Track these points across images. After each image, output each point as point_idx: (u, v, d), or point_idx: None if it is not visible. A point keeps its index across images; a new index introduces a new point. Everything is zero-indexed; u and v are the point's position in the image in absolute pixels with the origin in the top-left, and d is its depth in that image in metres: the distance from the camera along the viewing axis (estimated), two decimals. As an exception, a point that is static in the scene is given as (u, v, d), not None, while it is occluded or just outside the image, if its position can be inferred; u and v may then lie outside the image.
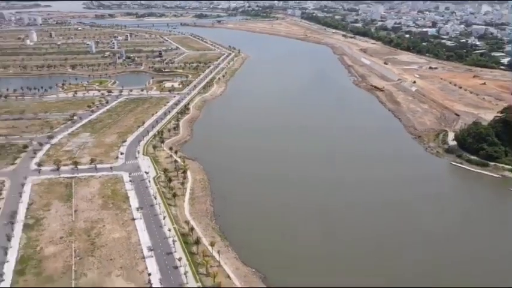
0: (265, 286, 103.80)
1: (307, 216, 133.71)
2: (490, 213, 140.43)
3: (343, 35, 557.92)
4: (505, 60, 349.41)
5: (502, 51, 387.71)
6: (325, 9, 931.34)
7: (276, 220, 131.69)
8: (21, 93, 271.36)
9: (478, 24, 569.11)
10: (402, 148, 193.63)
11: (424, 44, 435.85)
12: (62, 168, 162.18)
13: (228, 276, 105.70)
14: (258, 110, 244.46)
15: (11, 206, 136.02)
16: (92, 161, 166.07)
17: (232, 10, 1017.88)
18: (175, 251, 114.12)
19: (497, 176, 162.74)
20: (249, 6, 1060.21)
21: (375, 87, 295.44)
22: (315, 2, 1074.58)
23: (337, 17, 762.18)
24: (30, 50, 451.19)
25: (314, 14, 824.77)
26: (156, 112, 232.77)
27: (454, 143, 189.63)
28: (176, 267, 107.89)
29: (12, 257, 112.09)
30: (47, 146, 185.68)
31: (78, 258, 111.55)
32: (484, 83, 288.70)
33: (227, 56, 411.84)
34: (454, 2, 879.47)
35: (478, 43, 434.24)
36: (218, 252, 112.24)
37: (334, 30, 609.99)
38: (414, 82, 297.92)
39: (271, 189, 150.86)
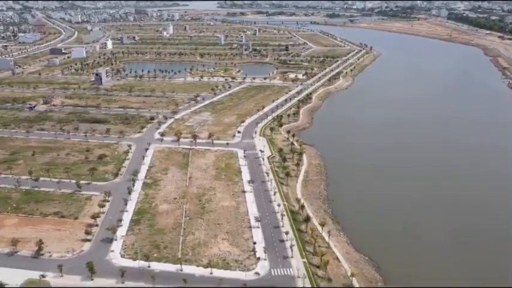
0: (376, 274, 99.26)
1: (431, 211, 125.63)
2: None
3: (500, 36, 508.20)
4: None
5: None
6: (479, 10, 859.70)
7: (394, 213, 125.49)
8: (153, 75, 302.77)
9: None
10: None
11: None
12: (182, 140, 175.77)
13: (337, 259, 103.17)
14: (385, 106, 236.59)
15: (134, 166, 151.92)
16: (210, 136, 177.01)
17: (367, 10, 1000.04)
18: (282, 226, 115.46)
19: None
20: (386, 7, 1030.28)
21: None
22: (467, 2, 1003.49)
23: (493, 17, 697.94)
24: (166, 41, 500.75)
25: (464, 15, 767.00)
26: (277, 99, 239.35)
27: None
28: (282, 241, 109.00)
29: (130, 208, 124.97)
30: (170, 120, 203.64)
31: (188, 218, 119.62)
32: None
33: (357, 53, 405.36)
34: None
35: None
36: (328, 233, 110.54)
37: (488, 32, 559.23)
38: None
39: (390, 182, 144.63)
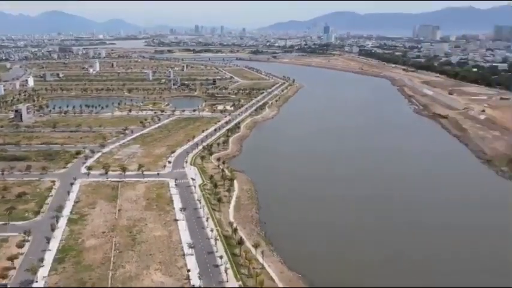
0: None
1: (359, 227, 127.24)
2: None
3: (404, 69, 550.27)
4: None
5: None
6: (385, 47, 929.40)
7: (325, 231, 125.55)
8: (79, 111, 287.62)
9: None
10: (470, 172, 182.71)
11: (494, 76, 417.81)
12: (110, 173, 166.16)
13: (272, 279, 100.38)
14: (308, 134, 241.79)
15: (58, 202, 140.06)
16: (140, 167, 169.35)
17: (288, 48, 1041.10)
18: (216, 251, 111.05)
19: None
20: (305, 44, 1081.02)
21: (438, 114, 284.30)
22: (374, 40, 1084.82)
23: (397, 53, 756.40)
24: (92, 77, 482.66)
25: (373, 51, 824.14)
26: (207, 129, 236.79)
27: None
28: (217, 266, 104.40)
29: (54, 246, 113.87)
30: (98, 154, 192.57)
31: (117, 251, 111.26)
32: None
33: (281, 85, 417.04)
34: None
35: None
36: (262, 254, 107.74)
37: (394, 65, 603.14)
38: (483, 111, 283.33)
39: (316, 203, 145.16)
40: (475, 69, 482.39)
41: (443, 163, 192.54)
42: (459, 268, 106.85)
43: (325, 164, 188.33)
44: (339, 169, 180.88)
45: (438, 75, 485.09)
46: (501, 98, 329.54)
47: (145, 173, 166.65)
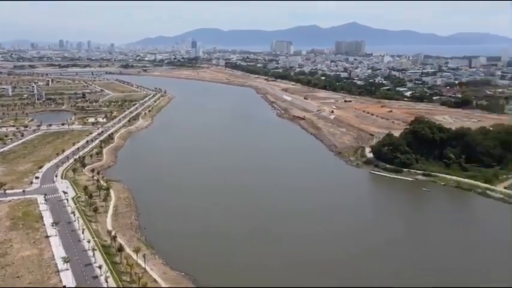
0: (194, 286, 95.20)
1: (235, 223, 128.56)
2: (409, 208, 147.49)
3: (265, 79, 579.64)
4: (408, 93, 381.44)
5: (405, 87, 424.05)
6: (248, 60, 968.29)
7: (204, 230, 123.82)
8: None
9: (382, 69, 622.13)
10: (326, 163, 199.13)
11: (338, 83, 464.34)
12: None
13: (155, 281, 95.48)
14: (182, 140, 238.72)
15: None
16: (1, 186, 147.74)
17: (158, 61, 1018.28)
18: (95, 262, 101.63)
19: (412, 179, 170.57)
20: (175, 58, 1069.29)
21: (297, 117, 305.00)
22: (238, 54, 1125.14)
23: (258, 65, 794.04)
24: None
25: (238, 63, 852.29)
26: (78, 142, 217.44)
27: (371, 155, 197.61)
28: (96, 277, 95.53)
29: None
30: None
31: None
32: (391, 111, 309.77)
33: (153, 96, 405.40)
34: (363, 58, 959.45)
35: (384, 82, 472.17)
36: (144, 258, 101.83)
37: (256, 76, 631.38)
38: (332, 112, 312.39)
39: (196, 205, 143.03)
40: (323, 77, 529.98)
41: (304, 157, 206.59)
42: (322, 238, 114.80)
43: (200, 167, 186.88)
44: (214, 171, 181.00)
45: (294, 83, 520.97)
46: (345, 101, 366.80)
47: (8, 191, 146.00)
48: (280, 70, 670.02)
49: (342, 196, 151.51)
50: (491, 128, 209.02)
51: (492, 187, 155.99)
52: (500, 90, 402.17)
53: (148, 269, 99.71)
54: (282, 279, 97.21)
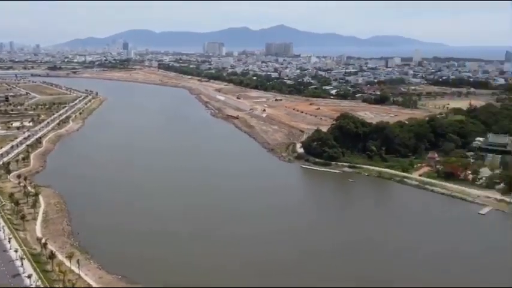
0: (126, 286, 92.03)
1: (172, 225, 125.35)
2: (337, 197, 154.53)
3: (199, 80, 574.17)
4: (333, 91, 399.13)
5: (331, 86, 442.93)
6: (181, 61, 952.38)
7: (142, 231, 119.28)
8: None
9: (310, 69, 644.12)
10: (260, 159, 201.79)
11: (269, 83, 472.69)
12: None
13: (89, 285, 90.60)
14: (118, 142, 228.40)
15: None
16: None
17: (88, 63, 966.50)
18: (23, 272, 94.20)
19: (339, 171, 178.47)
20: (106, 60, 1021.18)
21: (231, 116, 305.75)
22: (171, 56, 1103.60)
23: (192, 66, 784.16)
24: None
25: (171, 65, 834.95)
26: (1, 147, 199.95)
27: (302, 150, 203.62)
28: None
29: None
30: None
31: None
32: (319, 108, 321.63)
33: (84, 98, 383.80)
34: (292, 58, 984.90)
35: (312, 81, 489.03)
36: (78, 262, 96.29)
37: (190, 77, 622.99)
38: (264, 110, 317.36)
39: (134, 207, 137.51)
40: (255, 78, 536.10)
41: (238, 154, 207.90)
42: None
43: (135, 168, 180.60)
44: (149, 172, 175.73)
45: (227, 83, 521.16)
46: (276, 99, 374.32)
47: None
48: (213, 71, 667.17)
49: (275, 190, 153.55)
50: (406, 122, 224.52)
51: (408, 175, 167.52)
52: (413, 87, 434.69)
53: (82, 274, 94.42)
54: (221, 280, 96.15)
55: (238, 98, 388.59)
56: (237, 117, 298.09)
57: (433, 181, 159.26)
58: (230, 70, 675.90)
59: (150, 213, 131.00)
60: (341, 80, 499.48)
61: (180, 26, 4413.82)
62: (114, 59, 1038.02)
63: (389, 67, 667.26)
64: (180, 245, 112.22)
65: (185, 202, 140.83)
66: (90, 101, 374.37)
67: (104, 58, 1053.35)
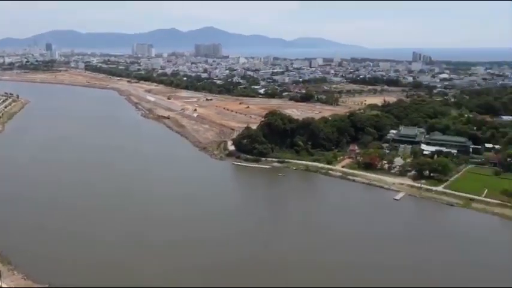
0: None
1: (102, 230, 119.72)
2: (267, 190, 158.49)
3: (128, 81, 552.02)
4: (262, 91, 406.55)
5: (259, 85, 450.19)
6: (109, 62, 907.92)
7: (70, 238, 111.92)
8: None
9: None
10: (193, 158, 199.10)
11: (199, 83, 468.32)
12: None
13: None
14: (42, 147, 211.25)
15: None
16: None
17: (7, 65, 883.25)
18: None
19: (269, 166, 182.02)
20: (27, 61, 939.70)
21: (162, 116, 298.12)
22: (99, 57, 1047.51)
23: (120, 67, 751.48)
24: None
25: (98, 66, 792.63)
26: None
27: (233, 148, 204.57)
28: None
29: None
30: None
31: None
32: (248, 107, 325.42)
33: (3, 102, 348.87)
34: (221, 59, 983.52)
35: (241, 81, 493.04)
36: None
37: (119, 78, 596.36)
38: (195, 110, 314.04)
39: (56, 213, 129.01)
40: (185, 78, 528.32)
41: (171, 152, 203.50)
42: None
43: (62, 172, 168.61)
44: (72, 172, 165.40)
45: (157, 84, 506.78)
46: (206, 99, 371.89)
47: None
48: (143, 72, 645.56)
49: (208, 187, 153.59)
50: (329, 118, 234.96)
51: (333, 167, 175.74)
52: (334, 86, 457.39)
53: (5, 286, 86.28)
54: (156, 284, 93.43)
55: (169, 98, 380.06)
56: (168, 118, 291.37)
57: (354, 172, 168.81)
58: (160, 71, 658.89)
59: (79, 218, 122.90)
60: (269, 80, 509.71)
61: (107, 27, 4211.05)
62: (37, 61, 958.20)
63: (313, 67, 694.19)
64: (112, 249, 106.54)
65: (118, 205, 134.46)
66: (10, 104, 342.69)
67: (26, 60, 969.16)
